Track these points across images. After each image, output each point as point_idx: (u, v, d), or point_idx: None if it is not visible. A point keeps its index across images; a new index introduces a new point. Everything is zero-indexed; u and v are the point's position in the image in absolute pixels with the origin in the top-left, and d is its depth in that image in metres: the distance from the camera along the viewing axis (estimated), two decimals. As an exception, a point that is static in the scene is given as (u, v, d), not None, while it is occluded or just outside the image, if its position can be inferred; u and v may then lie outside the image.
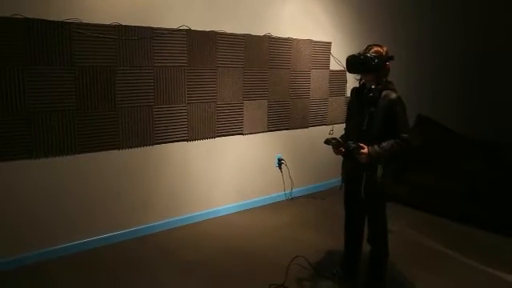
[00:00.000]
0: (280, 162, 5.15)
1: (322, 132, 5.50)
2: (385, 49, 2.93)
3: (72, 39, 3.47)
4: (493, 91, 7.75)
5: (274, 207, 5.01)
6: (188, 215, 4.41)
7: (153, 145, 4.06)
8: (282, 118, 5.08)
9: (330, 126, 5.61)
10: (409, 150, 2.85)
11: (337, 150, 3.03)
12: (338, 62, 5.51)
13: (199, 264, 3.57)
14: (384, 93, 2.86)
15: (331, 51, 5.45)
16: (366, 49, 2.95)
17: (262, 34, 4.70)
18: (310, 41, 5.18)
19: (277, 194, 5.20)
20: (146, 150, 4.02)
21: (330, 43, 5.42)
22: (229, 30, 4.40)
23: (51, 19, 3.36)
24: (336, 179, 5.65)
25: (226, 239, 4.09)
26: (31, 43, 3.31)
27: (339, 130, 5.55)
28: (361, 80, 3.06)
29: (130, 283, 3.26)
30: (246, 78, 4.64)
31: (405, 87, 6.47)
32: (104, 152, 3.78)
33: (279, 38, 4.86)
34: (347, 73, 5.55)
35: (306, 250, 3.78)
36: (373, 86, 2.91)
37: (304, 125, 5.34)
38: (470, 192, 4.57)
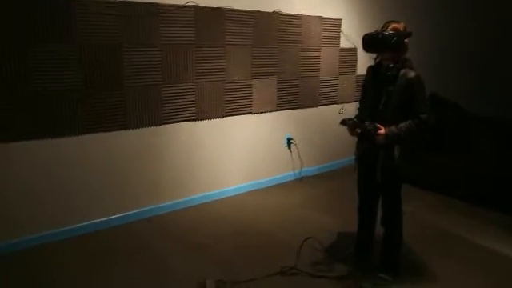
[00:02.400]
0: (289, 142, 5.07)
1: (332, 111, 5.41)
2: (402, 25, 2.82)
3: (76, 16, 3.37)
4: (505, 66, 7.58)
5: (283, 187, 4.96)
6: (196, 196, 4.37)
7: (161, 125, 3.98)
8: (291, 97, 4.98)
9: (341, 105, 5.50)
10: (427, 131, 2.77)
11: (352, 131, 2.92)
12: (348, 39, 5.37)
13: (209, 246, 3.54)
14: (402, 71, 2.76)
15: (341, 28, 5.31)
16: (384, 26, 2.82)
17: (271, 11, 4.56)
18: (320, 17, 5.04)
19: (286, 173, 5.14)
20: (153, 129, 3.95)
21: (341, 20, 5.28)
22: (237, 7, 4.28)
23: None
24: (346, 159, 5.60)
25: (235, 220, 4.04)
26: (33, 21, 3.20)
27: (349, 108, 5.49)
28: (376, 58, 2.95)
29: (137, 266, 3.23)
30: (254, 55, 4.52)
31: (418, 66, 6.37)
32: (111, 132, 3.72)
33: (289, 15, 4.72)
34: (357, 51, 5.49)
35: (317, 231, 3.74)
36: (391, 65, 2.79)
37: (314, 104, 5.24)
38: (483, 172, 4.48)
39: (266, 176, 4.95)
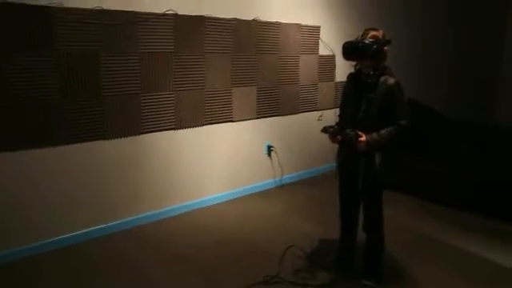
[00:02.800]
0: (269, 149, 5.07)
1: (312, 118, 5.44)
2: (381, 32, 2.87)
3: (53, 24, 3.31)
4: (480, 70, 7.77)
5: (264, 195, 4.95)
6: (177, 206, 4.32)
7: (140, 134, 3.93)
8: (271, 105, 4.99)
9: (320, 112, 5.53)
10: (407, 136, 2.80)
11: (333, 139, 2.93)
12: (327, 46, 5.42)
13: (190, 256, 3.49)
14: (382, 78, 2.80)
15: (320, 36, 5.35)
16: (363, 34, 2.86)
17: (250, 19, 4.57)
18: (299, 25, 5.07)
19: (266, 181, 5.13)
20: (132, 139, 3.90)
21: (319, 27, 5.32)
22: (216, 15, 4.27)
23: (31, 3, 3.19)
24: (326, 165, 5.64)
25: (216, 230, 4.01)
26: (9, 29, 3.13)
27: (329, 115, 5.53)
28: (356, 65, 2.98)
29: (117, 278, 3.16)
30: (234, 63, 4.52)
31: (395, 72, 6.47)
32: (89, 143, 3.65)
33: (267, 23, 4.74)
34: (336, 58, 5.54)
35: (299, 238, 3.74)
36: (371, 72, 2.83)
37: (293, 111, 5.26)
38: (461, 176, 4.55)
39: (247, 184, 4.94)
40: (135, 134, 3.90)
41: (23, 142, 3.31)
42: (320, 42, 5.36)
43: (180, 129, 4.21)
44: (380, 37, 2.83)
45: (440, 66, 7.40)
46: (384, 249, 3.10)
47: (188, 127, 4.27)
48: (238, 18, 4.45)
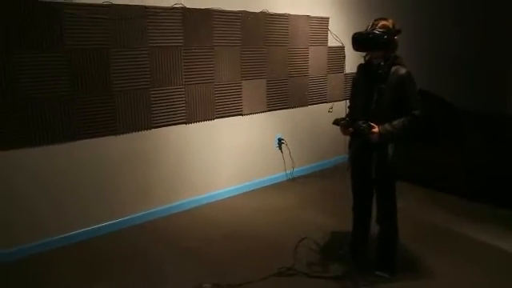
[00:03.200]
0: (280, 142, 5.05)
1: (322, 110, 5.41)
2: (391, 22, 2.82)
3: (63, 20, 3.31)
4: (492, 61, 7.67)
5: (275, 188, 4.94)
6: (188, 200, 4.32)
7: (150, 129, 3.93)
8: (281, 97, 4.96)
9: (330, 104, 5.50)
10: (420, 127, 2.79)
11: (345, 131, 2.92)
12: (336, 37, 5.38)
13: (201, 250, 3.49)
14: (393, 68, 2.77)
15: (329, 27, 5.30)
16: (373, 24, 2.81)
17: (258, 11, 4.54)
18: (308, 16, 5.03)
19: (278, 174, 5.11)
20: (143, 134, 3.90)
21: (328, 18, 5.27)
22: (225, 7, 4.24)
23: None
24: (337, 157, 5.62)
25: (228, 223, 4.01)
26: (19, 25, 3.13)
27: (339, 107, 5.50)
28: (366, 56, 2.95)
29: (131, 273, 3.18)
30: (243, 56, 4.50)
31: (407, 62, 6.39)
32: (101, 138, 3.66)
33: (276, 15, 4.70)
34: (345, 49, 5.49)
35: (312, 230, 3.73)
36: (382, 63, 2.79)
37: (303, 103, 5.23)
38: (473, 167, 4.51)
39: (258, 177, 4.93)
40: (146, 129, 3.90)
41: (34, 139, 3.33)
42: (329, 34, 5.32)
43: (190, 123, 4.20)
44: (390, 26, 2.79)
45: (451, 58, 7.31)
46: (398, 240, 3.08)
47: (198, 121, 4.26)
48: (246, 10, 4.42)
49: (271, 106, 4.88)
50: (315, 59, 5.23)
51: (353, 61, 5.62)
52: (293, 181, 5.15)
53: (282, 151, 5.10)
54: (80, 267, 3.25)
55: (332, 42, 5.37)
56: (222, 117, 4.44)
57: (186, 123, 4.17)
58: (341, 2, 5.39)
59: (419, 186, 4.81)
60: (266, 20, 4.62)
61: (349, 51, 5.54)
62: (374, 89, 2.83)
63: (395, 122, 2.73)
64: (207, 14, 4.11)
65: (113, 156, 3.76)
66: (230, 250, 3.50)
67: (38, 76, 3.26)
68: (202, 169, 4.40)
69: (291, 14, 4.85)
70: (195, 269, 3.22)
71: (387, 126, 2.73)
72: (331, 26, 5.32)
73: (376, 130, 2.73)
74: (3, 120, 3.16)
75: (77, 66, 3.43)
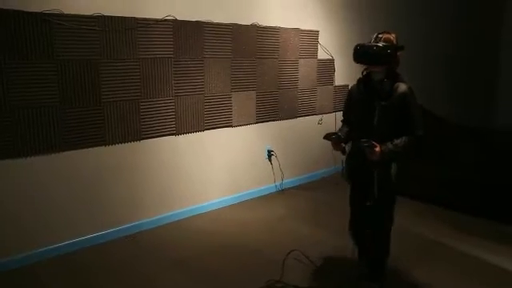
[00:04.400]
0: (270, 154, 5.06)
1: (311, 122, 5.45)
2: (394, 36, 2.74)
3: (53, 31, 3.31)
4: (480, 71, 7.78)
5: (265, 199, 4.94)
6: (178, 211, 4.30)
7: (140, 140, 3.93)
8: (270, 109, 4.99)
9: (319, 116, 5.54)
10: (421, 145, 2.70)
11: (336, 146, 2.87)
12: (325, 50, 5.43)
13: (192, 261, 3.48)
14: (395, 85, 2.69)
15: (319, 40, 5.36)
16: (376, 37, 2.72)
17: (249, 23, 4.58)
18: (298, 29, 5.08)
19: (267, 186, 5.12)
20: (133, 145, 3.89)
21: (318, 32, 5.33)
22: (215, 20, 4.28)
23: (30, 10, 3.19)
24: (326, 169, 5.64)
25: (218, 234, 3.99)
26: (8, 36, 3.13)
27: (328, 119, 5.54)
28: (364, 71, 2.85)
29: (118, 284, 3.15)
30: (233, 68, 4.52)
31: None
32: (90, 149, 3.64)
33: (267, 27, 4.75)
34: (335, 62, 5.55)
35: (301, 242, 3.72)
36: (385, 79, 2.70)
37: (293, 115, 5.26)
38: (465, 179, 4.52)
39: (248, 189, 4.93)
40: (135, 140, 3.90)
41: (21, 150, 3.31)
42: (319, 47, 5.37)
43: (180, 134, 4.20)
44: (394, 41, 2.72)
45: (437, 69, 7.42)
46: (389, 252, 3.07)
47: (188, 132, 4.26)
48: (237, 23, 4.45)
49: (261, 118, 4.90)
50: (305, 71, 5.28)
51: (342, 74, 5.69)
52: (282, 192, 5.15)
53: (271, 163, 5.11)
54: (67, 279, 3.21)
55: (322, 55, 5.43)
56: (211, 128, 4.45)
57: (175, 134, 4.17)
58: (330, 16, 5.46)
59: (413, 199, 4.77)
60: (257, 33, 4.66)
61: (338, 64, 5.60)
62: (375, 106, 2.72)
63: (398, 141, 2.66)
64: (198, 26, 4.14)
65: (102, 167, 3.74)
66: (219, 263, 3.48)
67: (27, 86, 3.25)
68: (191, 180, 4.39)
69: (281, 26, 4.89)
70: (184, 281, 3.20)
71: (389, 146, 2.65)
72: (321, 39, 5.37)
73: (378, 148, 2.65)
74: (-9, 130, 3.14)
75: (66, 77, 3.42)
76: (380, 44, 2.64)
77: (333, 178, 5.65)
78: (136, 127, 3.88)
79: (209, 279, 3.23)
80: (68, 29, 3.37)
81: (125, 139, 3.83)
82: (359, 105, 2.87)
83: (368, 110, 2.75)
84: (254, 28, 4.63)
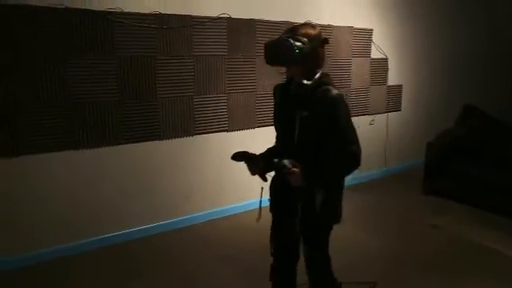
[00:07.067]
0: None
1: (363, 122, 5.35)
2: (317, 30, 2.11)
3: (113, 29, 3.44)
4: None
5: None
6: (228, 206, 4.36)
7: (193, 135, 4.01)
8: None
9: (372, 116, 5.44)
10: (357, 166, 2.09)
11: (251, 168, 2.26)
12: (379, 49, 5.33)
13: (240, 258, 3.50)
14: (319, 90, 2.05)
15: (373, 38, 5.27)
16: (290, 31, 2.08)
17: (302, 22, 4.55)
18: (351, 28, 5.01)
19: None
20: (186, 140, 3.98)
21: (372, 30, 5.24)
22: (268, 18, 4.29)
23: (92, 8, 3.34)
24: (376, 171, 5.53)
25: (267, 232, 3.98)
26: (72, 33, 3.28)
27: (380, 120, 5.44)
28: (286, 73, 2.28)
29: (161, 278, 3.22)
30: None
31: (452, 76, 6.25)
32: (145, 143, 3.76)
33: (319, 26, 4.71)
34: (388, 60, 5.44)
35: (351, 246, 3.66)
36: (304, 81, 2.08)
37: (344, 115, 5.18)
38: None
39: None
40: (188, 135, 3.98)
41: (81, 142, 3.46)
42: (372, 45, 5.28)
43: (232, 131, 4.25)
44: (313, 34, 2.06)
45: (498, 69, 7.10)
46: None
47: (240, 129, 4.31)
48: (289, 20, 4.45)
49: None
50: (357, 71, 5.20)
51: (396, 73, 5.57)
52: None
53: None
54: (114, 270, 3.32)
55: (375, 54, 5.33)
56: (263, 126, 4.46)
57: (227, 131, 4.22)
58: (385, 14, 5.34)
59: (461, 203, 4.65)
60: (310, 31, 4.63)
61: (392, 63, 5.49)
62: (295, 116, 2.09)
63: (325, 162, 2.06)
64: (251, 24, 4.17)
65: (155, 161, 3.86)
66: (266, 261, 3.48)
67: (88, 81, 3.40)
68: (243, 176, 4.37)
69: (334, 24, 4.84)
70: (229, 278, 3.22)
71: (313, 167, 2.05)
72: (375, 37, 5.28)
73: (296, 170, 2.02)
74: (53, 122, 3.31)
75: (124, 73, 3.55)
76: (290, 39, 1.99)
77: (383, 180, 5.54)
78: (189, 123, 3.96)
79: (256, 277, 3.22)
80: (127, 26, 3.50)
81: (178, 134, 3.92)
82: (280, 116, 2.28)
83: (287, 121, 2.14)
84: (307, 26, 4.60)
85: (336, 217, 2.23)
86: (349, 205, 4.61)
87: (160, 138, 3.82)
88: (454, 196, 4.73)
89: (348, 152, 2.05)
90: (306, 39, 2.01)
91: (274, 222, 2.46)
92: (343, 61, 5.02)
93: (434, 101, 6.19)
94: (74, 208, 3.51)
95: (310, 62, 2.08)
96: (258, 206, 2.52)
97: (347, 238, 3.83)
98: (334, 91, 2.03)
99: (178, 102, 3.86)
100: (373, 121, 5.43)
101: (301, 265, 2.38)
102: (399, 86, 5.70)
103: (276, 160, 2.07)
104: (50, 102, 3.27)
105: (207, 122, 4.08)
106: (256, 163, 2.21)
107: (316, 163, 2.06)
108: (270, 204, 2.45)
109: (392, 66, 5.48)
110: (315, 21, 4.65)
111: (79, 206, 3.53)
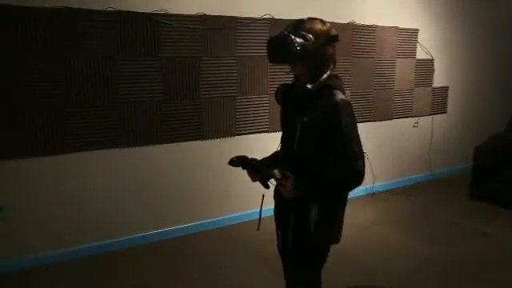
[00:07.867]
0: (361, 155, 4.94)
1: (407, 124, 5.24)
2: (326, 26, 1.92)
3: (159, 30, 3.51)
4: None
5: (354, 202, 4.75)
6: (267, 207, 4.34)
7: (234, 135, 4.04)
8: (364, 110, 4.87)
9: (416, 118, 5.31)
10: (359, 184, 1.85)
11: (251, 174, 2.09)
12: (425, 50, 5.19)
13: (277, 260, 3.48)
14: (323, 93, 1.84)
15: (418, 39, 5.13)
16: (294, 26, 1.87)
17: (345, 22, 4.51)
18: (396, 28, 4.91)
19: (357, 188, 4.99)
20: (227, 140, 4.01)
21: (418, 30, 5.11)
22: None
23: (140, 11, 3.41)
24: (420, 174, 5.39)
25: (306, 233, 3.97)
26: (120, 35, 3.37)
27: (425, 122, 5.30)
28: (290, 72, 2.05)
29: (197, 273, 3.27)
30: (328, 67, 4.47)
31: (503, 77, 6.01)
32: (187, 142, 3.82)
33: (363, 26, 4.64)
34: (434, 62, 5.29)
35: (389, 249, 3.59)
36: (308, 85, 1.84)
37: (387, 116, 5.09)
38: None
39: (337, 189, 4.84)
40: (230, 136, 4.01)
41: (125, 140, 3.55)
42: (418, 46, 5.15)
43: (273, 132, 4.25)
44: (320, 30, 1.87)
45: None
46: None
47: (281, 131, 4.28)
48: (333, 21, 4.39)
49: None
50: (402, 72, 5.09)
51: (442, 74, 5.42)
52: (372, 196, 5.01)
53: (362, 164, 4.98)
54: (155, 265, 3.40)
55: (420, 55, 5.19)
56: (303, 127, 4.44)
57: (268, 132, 4.22)
58: (431, 14, 5.20)
59: (505, 208, 4.51)
60: (353, 31, 4.57)
61: (438, 64, 5.33)
62: (296, 122, 1.91)
63: (322, 175, 1.86)
64: (294, 24, 4.15)
65: (197, 160, 3.91)
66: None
67: (134, 81, 3.49)
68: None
69: (379, 25, 4.76)
70: (266, 279, 3.22)
71: (307, 180, 1.85)
72: (421, 37, 5.14)
73: (288, 182, 1.85)
74: (100, 121, 3.41)
75: (169, 73, 3.61)
76: (291, 35, 1.77)
77: (428, 184, 5.40)
78: (231, 123, 3.99)
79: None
80: (173, 28, 3.55)
81: (220, 134, 3.96)
82: (284, 121, 2.12)
83: (290, 127, 1.97)
84: (350, 26, 4.55)
85: (332, 236, 2.05)
86: (394, 208, 4.61)
87: (202, 137, 3.87)
88: (501, 202, 4.56)
89: (350, 168, 1.80)
90: (310, 35, 1.80)
91: (277, 230, 2.31)
92: (387, 62, 4.92)
93: (483, 103, 5.97)
94: (110, 209, 3.60)
95: (315, 61, 1.86)
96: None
97: (400, 243, 3.77)
98: (339, 96, 1.81)
99: (220, 103, 3.90)
100: (416, 123, 5.30)
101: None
102: (445, 88, 5.53)
103: (273, 168, 1.89)
104: (98, 100, 3.37)
105: (249, 123, 4.09)
106: (256, 169, 2.02)
107: (314, 174, 1.87)
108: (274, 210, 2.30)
109: (438, 67, 5.33)
110: (359, 21, 4.59)
111: (116, 203, 3.62)
